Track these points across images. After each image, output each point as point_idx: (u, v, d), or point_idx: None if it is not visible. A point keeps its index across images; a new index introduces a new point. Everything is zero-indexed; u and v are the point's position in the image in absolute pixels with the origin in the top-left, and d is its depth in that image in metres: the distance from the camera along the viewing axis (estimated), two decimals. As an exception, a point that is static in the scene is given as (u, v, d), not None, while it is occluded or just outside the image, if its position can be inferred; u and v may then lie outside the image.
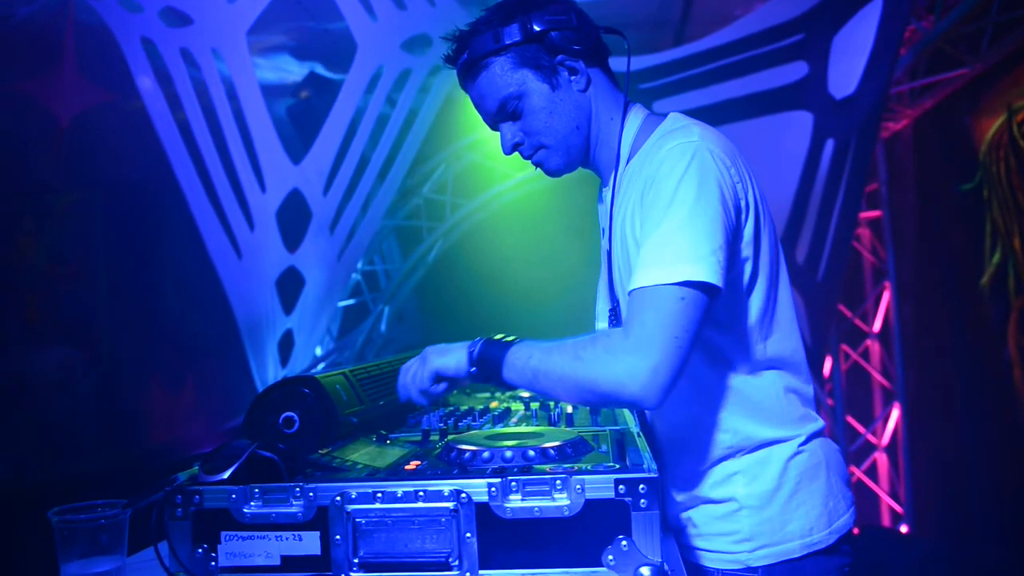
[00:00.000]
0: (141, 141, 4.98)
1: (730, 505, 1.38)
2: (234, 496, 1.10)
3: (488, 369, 1.29)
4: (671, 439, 1.44)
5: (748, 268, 1.34)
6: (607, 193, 1.48)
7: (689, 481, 1.42)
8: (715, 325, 1.35)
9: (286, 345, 5.88)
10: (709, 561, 1.41)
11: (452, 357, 1.33)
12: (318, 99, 5.84)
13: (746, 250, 1.33)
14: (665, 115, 1.44)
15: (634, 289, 1.22)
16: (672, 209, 1.23)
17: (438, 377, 1.34)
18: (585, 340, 1.23)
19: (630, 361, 1.16)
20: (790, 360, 1.41)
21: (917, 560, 5.05)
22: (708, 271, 1.19)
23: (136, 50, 4.84)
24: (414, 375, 1.36)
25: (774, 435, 1.38)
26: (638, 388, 1.16)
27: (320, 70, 5.96)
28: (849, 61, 4.60)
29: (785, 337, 1.40)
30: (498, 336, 1.33)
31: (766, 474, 1.37)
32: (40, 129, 4.34)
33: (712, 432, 1.39)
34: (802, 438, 1.39)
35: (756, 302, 1.36)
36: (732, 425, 1.38)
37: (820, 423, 1.44)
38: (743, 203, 1.31)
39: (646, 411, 1.55)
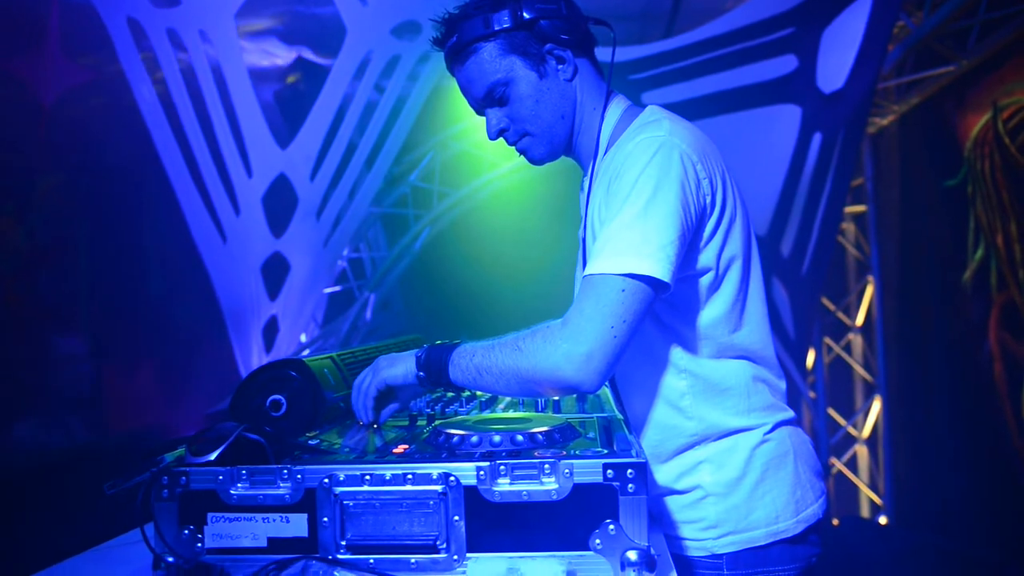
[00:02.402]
0: (126, 123, 4.93)
1: (696, 493, 1.41)
2: (221, 478, 1.10)
3: (434, 372, 1.31)
4: (638, 425, 1.46)
5: (715, 262, 1.36)
6: (586, 182, 1.49)
7: (657, 469, 1.44)
8: (680, 315, 1.37)
9: (271, 331, 5.85)
10: (676, 548, 1.43)
11: (400, 366, 1.35)
12: (306, 84, 5.80)
13: (713, 245, 1.35)
14: (644, 107, 1.46)
15: (584, 276, 1.26)
16: (629, 202, 1.25)
17: (387, 387, 1.36)
18: (525, 332, 1.26)
19: (566, 348, 1.20)
20: (760, 354, 1.42)
21: (896, 552, 5.11)
22: (654, 265, 1.21)
23: (122, 30, 4.78)
24: (365, 390, 1.37)
25: (740, 424, 1.39)
26: (574, 373, 1.19)
27: (308, 55, 5.91)
28: (838, 56, 4.62)
29: (754, 331, 1.42)
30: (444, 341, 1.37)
31: (732, 462, 1.39)
32: (23, 109, 4.28)
33: (678, 419, 1.40)
34: (768, 426, 1.41)
35: (725, 295, 1.38)
36: (698, 412, 1.39)
37: (789, 413, 1.46)
38: (709, 199, 1.32)
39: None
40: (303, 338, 6.21)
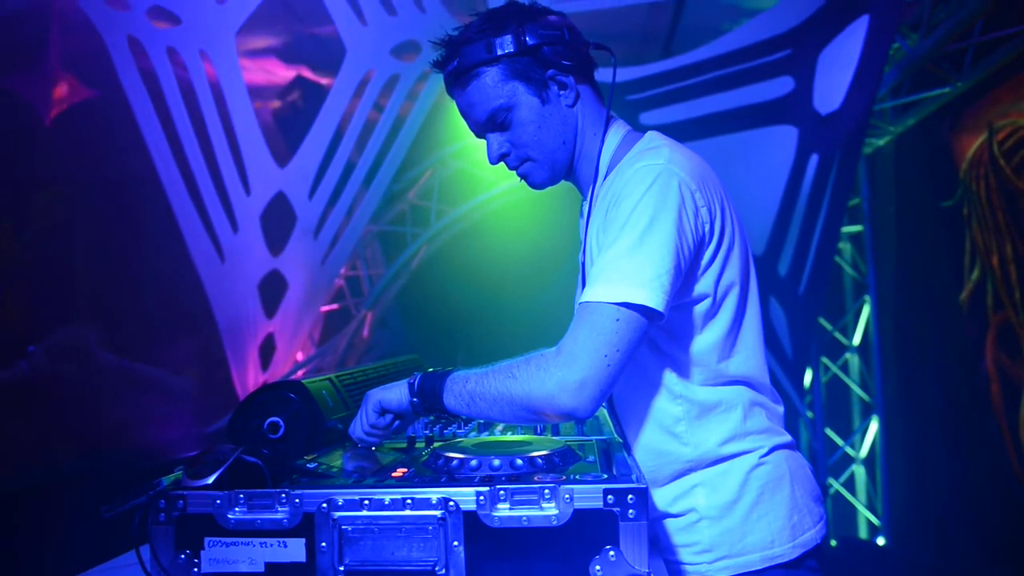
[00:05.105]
0: (125, 141, 4.93)
1: (691, 516, 1.39)
2: (219, 501, 1.09)
3: (429, 398, 1.32)
4: (632, 449, 1.45)
5: (713, 289, 1.35)
6: (586, 207, 1.49)
7: (653, 493, 1.43)
8: (676, 342, 1.37)
9: (267, 349, 5.83)
10: (673, 572, 1.42)
11: (395, 391, 1.36)
12: (305, 103, 5.82)
13: (711, 272, 1.35)
14: (645, 132, 1.46)
15: (579, 304, 1.26)
16: (625, 230, 1.25)
17: (382, 410, 1.37)
18: (519, 359, 1.27)
19: (560, 375, 1.20)
20: (756, 380, 1.42)
21: (894, 573, 5.08)
22: (648, 295, 1.21)
23: (122, 49, 4.79)
24: (362, 414, 1.39)
25: (736, 448, 1.39)
26: (568, 400, 1.20)
27: (308, 73, 5.94)
28: (835, 77, 4.65)
29: (749, 358, 1.41)
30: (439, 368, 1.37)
31: (726, 485, 1.38)
32: (22, 126, 4.29)
33: (674, 445, 1.40)
34: (764, 450, 1.40)
35: (721, 322, 1.37)
36: (694, 438, 1.39)
37: (787, 437, 1.44)
38: (707, 228, 1.32)
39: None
40: (300, 357, 6.19)
